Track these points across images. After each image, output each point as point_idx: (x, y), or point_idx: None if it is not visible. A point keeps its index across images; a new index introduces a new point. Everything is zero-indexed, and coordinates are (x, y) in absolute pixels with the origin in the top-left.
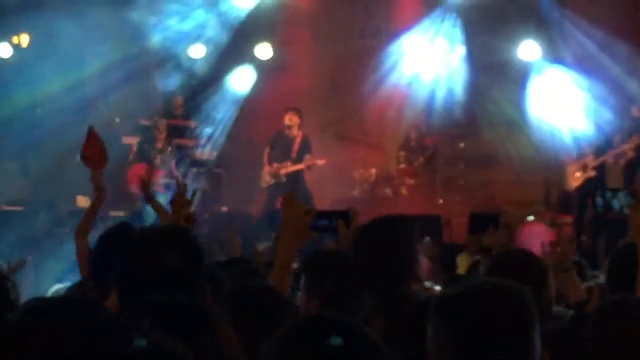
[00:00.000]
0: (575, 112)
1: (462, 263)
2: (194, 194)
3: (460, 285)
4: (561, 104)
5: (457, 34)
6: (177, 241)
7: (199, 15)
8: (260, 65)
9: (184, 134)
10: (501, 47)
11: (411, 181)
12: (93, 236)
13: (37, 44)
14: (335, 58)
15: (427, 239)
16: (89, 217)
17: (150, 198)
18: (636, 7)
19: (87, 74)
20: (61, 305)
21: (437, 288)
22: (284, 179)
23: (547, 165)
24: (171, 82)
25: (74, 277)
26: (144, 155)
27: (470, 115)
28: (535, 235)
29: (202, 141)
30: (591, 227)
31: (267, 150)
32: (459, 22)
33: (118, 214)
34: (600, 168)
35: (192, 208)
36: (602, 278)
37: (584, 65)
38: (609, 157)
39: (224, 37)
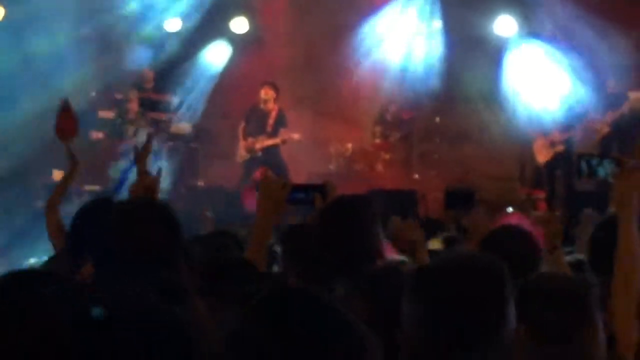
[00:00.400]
0: (550, 88)
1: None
2: (159, 172)
3: (436, 259)
4: (536, 79)
5: (434, 8)
6: (155, 215)
7: None
8: (236, 40)
9: (158, 108)
10: (478, 22)
11: (387, 156)
12: (69, 210)
13: (12, 15)
14: (311, 32)
15: (409, 220)
16: (61, 189)
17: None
18: None
19: (62, 45)
20: (30, 278)
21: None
22: (260, 153)
23: (521, 141)
24: (145, 56)
25: (49, 251)
26: (115, 132)
27: (446, 90)
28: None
29: (178, 115)
30: (564, 201)
31: (242, 124)
32: None
33: (92, 188)
34: (568, 143)
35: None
36: (576, 255)
37: (559, 41)
38: (577, 132)
39: (199, 11)
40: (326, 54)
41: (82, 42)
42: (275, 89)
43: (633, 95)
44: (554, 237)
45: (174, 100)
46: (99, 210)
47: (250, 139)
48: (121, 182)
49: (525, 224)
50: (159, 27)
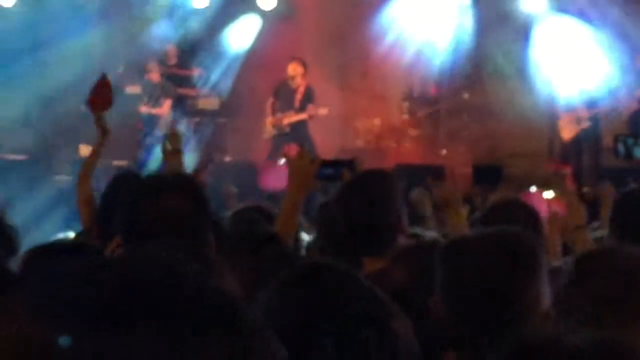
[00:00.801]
0: (577, 64)
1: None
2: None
3: (471, 232)
4: (564, 55)
5: None
6: (182, 188)
7: None
8: (264, 15)
9: (185, 84)
10: None
11: (414, 132)
12: (98, 186)
13: None
14: (339, 8)
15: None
16: (92, 159)
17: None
18: None
19: (89, 23)
20: (58, 253)
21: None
22: (287, 129)
23: (549, 117)
24: (172, 32)
25: (77, 226)
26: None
27: (474, 66)
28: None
29: (206, 91)
30: (591, 177)
31: (270, 100)
32: None
33: (121, 163)
34: (594, 119)
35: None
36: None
37: (588, 16)
38: (603, 109)
39: None
40: (354, 30)
41: (107, 17)
42: (304, 65)
43: None
44: (576, 218)
45: (201, 75)
46: (127, 183)
47: (278, 115)
48: (147, 156)
49: (542, 205)
50: (187, 3)
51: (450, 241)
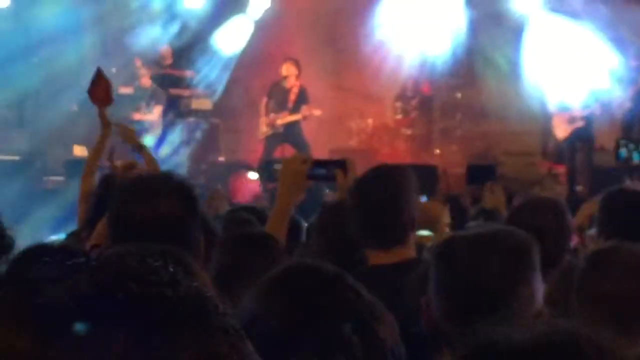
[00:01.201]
0: (570, 63)
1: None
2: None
3: (465, 231)
4: (557, 55)
5: None
6: (172, 188)
7: None
8: (257, 16)
9: (179, 84)
10: None
11: (408, 132)
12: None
13: None
14: (332, 8)
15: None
16: (96, 154)
17: (140, 148)
18: None
19: (83, 24)
20: (42, 254)
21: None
22: (281, 129)
23: (542, 116)
24: (166, 33)
25: (69, 227)
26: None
27: (467, 66)
28: None
29: (199, 91)
30: (584, 177)
31: (264, 100)
32: None
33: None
34: (588, 119)
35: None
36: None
37: (581, 16)
38: (597, 108)
39: None
40: (347, 30)
41: (101, 18)
42: (297, 65)
43: None
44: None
45: (195, 76)
46: (116, 184)
47: (272, 115)
48: (138, 159)
49: None
50: (180, 4)
51: (444, 240)
